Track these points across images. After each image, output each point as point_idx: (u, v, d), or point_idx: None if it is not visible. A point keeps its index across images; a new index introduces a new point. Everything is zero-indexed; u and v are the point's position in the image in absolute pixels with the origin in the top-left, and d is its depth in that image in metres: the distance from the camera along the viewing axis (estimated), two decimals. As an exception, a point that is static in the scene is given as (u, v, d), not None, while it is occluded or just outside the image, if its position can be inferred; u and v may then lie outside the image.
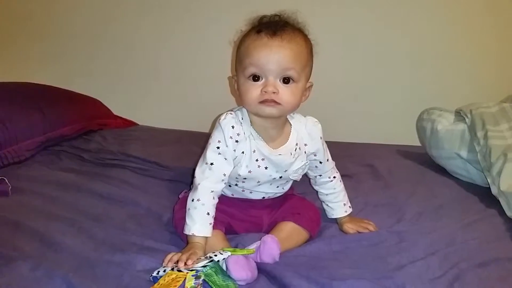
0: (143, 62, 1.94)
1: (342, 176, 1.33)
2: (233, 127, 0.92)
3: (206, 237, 0.88)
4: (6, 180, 1.11)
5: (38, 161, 1.38)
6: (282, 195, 1.04)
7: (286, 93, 0.87)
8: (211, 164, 0.91)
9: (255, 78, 0.87)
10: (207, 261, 0.77)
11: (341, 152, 1.54)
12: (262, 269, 0.81)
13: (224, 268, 0.79)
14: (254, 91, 0.87)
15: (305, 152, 0.98)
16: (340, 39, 1.75)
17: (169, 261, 0.79)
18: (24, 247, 0.85)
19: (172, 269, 0.76)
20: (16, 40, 2.01)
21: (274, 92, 0.86)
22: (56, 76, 1.91)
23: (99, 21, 1.93)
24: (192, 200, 0.89)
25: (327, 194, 1.07)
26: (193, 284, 0.71)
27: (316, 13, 1.64)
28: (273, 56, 0.85)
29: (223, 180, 0.92)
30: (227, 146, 0.91)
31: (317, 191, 1.09)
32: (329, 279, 0.77)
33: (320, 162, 1.02)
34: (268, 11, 0.92)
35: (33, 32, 1.98)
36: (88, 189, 1.16)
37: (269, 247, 0.84)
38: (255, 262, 0.83)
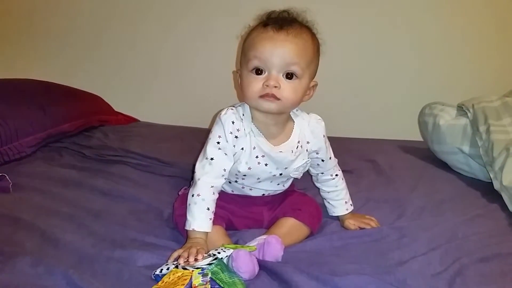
0: (144, 58, 1.94)
1: (344, 171, 1.33)
2: (233, 122, 0.91)
3: (207, 233, 0.87)
4: (7, 177, 1.11)
5: (39, 158, 1.38)
6: (282, 191, 1.04)
7: (287, 89, 0.86)
8: (211, 159, 0.91)
9: (258, 71, 0.86)
10: (212, 258, 0.77)
11: (343, 147, 1.54)
12: (263, 265, 0.81)
13: (229, 264, 0.78)
14: (256, 84, 0.86)
15: (307, 150, 0.97)
16: (342, 34, 1.74)
17: (179, 257, 0.78)
18: (24, 243, 0.85)
19: (176, 267, 0.76)
20: (17, 36, 2.01)
21: (275, 87, 0.85)
22: (57, 73, 1.91)
23: (101, 17, 1.93)
24: (192, 196, 0.89)
25: (328, 192, 1.06)
26: (201, 282, 0.70)
27: (319, 8, 1.64)
28: (278, 49, 0.84)
29: (223, 176, 0.92)
30: (227, 141, 0.91)
31: (319, 188, 1.08)
32: (330, 275, 0.77)
33: (322, 160, 1.01)
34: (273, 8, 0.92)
35: (34, 28, 1.98)
36: (89, 185, 1.16)
37: (274, 248, 0.83)
38: (256, 259, 0.82)
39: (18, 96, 1.53)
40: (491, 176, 1.16)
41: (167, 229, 0.98)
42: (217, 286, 0.73)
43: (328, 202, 1.07)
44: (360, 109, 1.85)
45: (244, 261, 0.76)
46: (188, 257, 0.77)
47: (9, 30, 2.00)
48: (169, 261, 0.80)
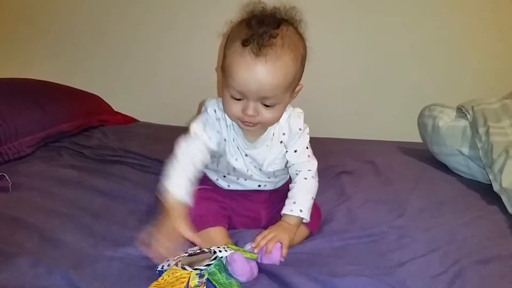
0: (143, 58, 1.94)
1: (343, 172, 1.33)
2: (215, 111, 0.94)
3: (182, 204, 0.85)
4: (7, 177, 1.10)
5: (39, 157, 1.38)
6: (280, 189, 1.04)
7: (266, 114, 0.86)
8: (194, 133, 0.93)
9: (237, 97, 0.84)
10: (212, 258, 0.77)
11: (342, 149, 1.55)
12: (262, 267, 0.81)
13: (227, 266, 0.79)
14: (235, 109, 0.86)
15: (281, 142, 0.97)
16: (342, 36, 1.74)
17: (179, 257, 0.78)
18: (24, 243, 0.85)
19: (176, 264, 0.76)
20: (17, 36, 2.00)
21: (253, 115, 0.84)
22: (57, 72, 1.91)
23: (100, 17, 1.93)
24: (171, 163, 0.89)
25: (290, 188, 0.98)
26: (196, 283, 0.71)
27: (319, 9, 1.64)
28: (254, 82, 0.80)
29: (203, 153, 0.92)
30: (213, 125, 0.93)
31: None
32: (330, 276, 0.77)
33: (287, 151, 0.98)
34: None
35: (34, 28, 1.98)
36: (88, 185, 1.16)
37: (274, 255, 0.83)
38: (255, 261, 0.82)
39: (18, 95, 1.53)
40: (491, 178, 1.16)
41: (167, 229, 0.98)
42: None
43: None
44: (359, 110, 1.85)
45: (239, 265, 0.76)
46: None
47: (9, 30, 2.00)
48: (157, 268, 0.79)
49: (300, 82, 0.91)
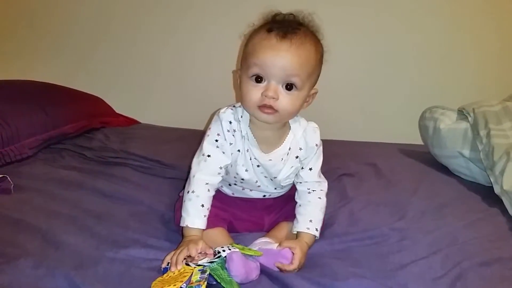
0: (145, 60, 1.94)
1: (345, 175, 1.33)
2: (230, 122, 0.91)
3: (202, 230, 0.87)
4: (9, 178, 1.11)
5: (41, 159, 1.38)
6: (283, 194, 1.04)
7: (285, 100, 0.84)
8: (208, 156, 0.91)
9: (258, 79, 0.84)
10: (215, 256, 0.78)
11: (344, 151, 1.55)
12: (263, 269, 0.81)
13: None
14: (254, 93, 0.85)
15: (297, 157, 0.95)
16: (344, 38, 1.74)
17: (176, 263, 0.77)
18: (26, 245, 0.85)
19: None
20: (18, 38, 2.01)
21: (273, 98, 0.83)
22: (59, 74, 1.91)
23: (102, 19, 1.93)
24: (188, 192, 0.89)
25: (300, 205, 0.97)
26: (198, 278, 0.71)
27: (320, 11, 1.64)
28: (279, 60, 0.82)
29: (219, 173, 0.92)
30: (225, 139, 0.91)
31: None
32: (331, 279, 0.77)
33: (302, 168, 0.97)
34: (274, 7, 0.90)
35: (36, 30, 1.98)
36: (90, 187, 1.16)
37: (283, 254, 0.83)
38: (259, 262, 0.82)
39: (20, 97, 1.53)
40: (492, 180, 1.16)
41: (169, 231, 0.98)
42: (215, 283, 0.74)
43: (296, 218, 0.96)
44: (361, 112, 1.85)
45: (235, 265, 0.75)
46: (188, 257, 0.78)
47: (10, 32, 2.00)
48: (162, 265, 0.80)
49: (316, 87, 0.92)
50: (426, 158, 1.49)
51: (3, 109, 1.40)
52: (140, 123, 1.95)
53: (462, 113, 1.40)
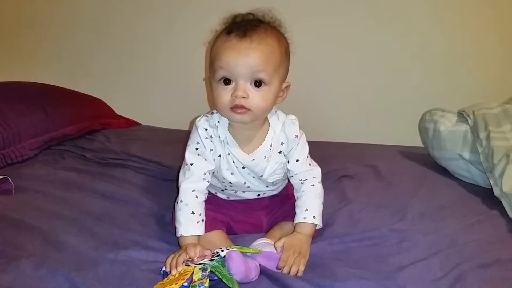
0: (146, 61, 1.95)
1: (344, 176, 1.33)
2: (206, 129, 0.92)
3: (197, 237, 0.87)
4: (10, 179, 1.11)
5: (41, 161, 1.39)
6: (280, 192, 1.04)
7: (256, 98, 0.85)
8: (191, 164, 0.92)
9: (226, 81, 0.85)
10: (215, 256, 0.78)
11: (343, 153, 1.55)
12: (263, 270, 0.81)
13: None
14: (224, 95, 0.85)
15: (280, 151, 0.95)
16: (343, 39, 1.74)
17: (176, 265, 0.78)
18: (27, 246, 0.85)
19: None
20: (20, 40, 2.02)
21: (244, 97, 0.84)
22: (59, 76, 1.92)
23: (102, 21, 1.94)
24: (177, 203, 0.90)
25: (297, 198, 0.97)
26: (200, 276, 0.72)
27: (320, 12, 1.64)
28: (242, 59, 0.82)
29: (204, 179, 0.93)
30: (204, 147, 0.92)
31: None
32: (331, 280, 0.77)
33: (288, 161, 0.97)
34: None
35: (37, 32, 1.99)
36: (91, 188, 1.17)
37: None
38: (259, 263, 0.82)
39: (21, 99, 1.54)
40: (491, 182, 1.16)
41: (169, 233, 0.98)
42: (216, 278, 0.75)
43: (295, 213, 0.95)
44: (360, 114, 1.85)
45: (235, 263, 0.76)
46: (191, 259, 0.78)
47: (12, 34, 2.01)
48: (162, 269, 0.80)
49: (288, 80, 0.92)
50: (426, 160, 1.49)
51: (4, 111, 1.41)
52: (141, 124, 1.95)
53: (462, 116, 1.40)
